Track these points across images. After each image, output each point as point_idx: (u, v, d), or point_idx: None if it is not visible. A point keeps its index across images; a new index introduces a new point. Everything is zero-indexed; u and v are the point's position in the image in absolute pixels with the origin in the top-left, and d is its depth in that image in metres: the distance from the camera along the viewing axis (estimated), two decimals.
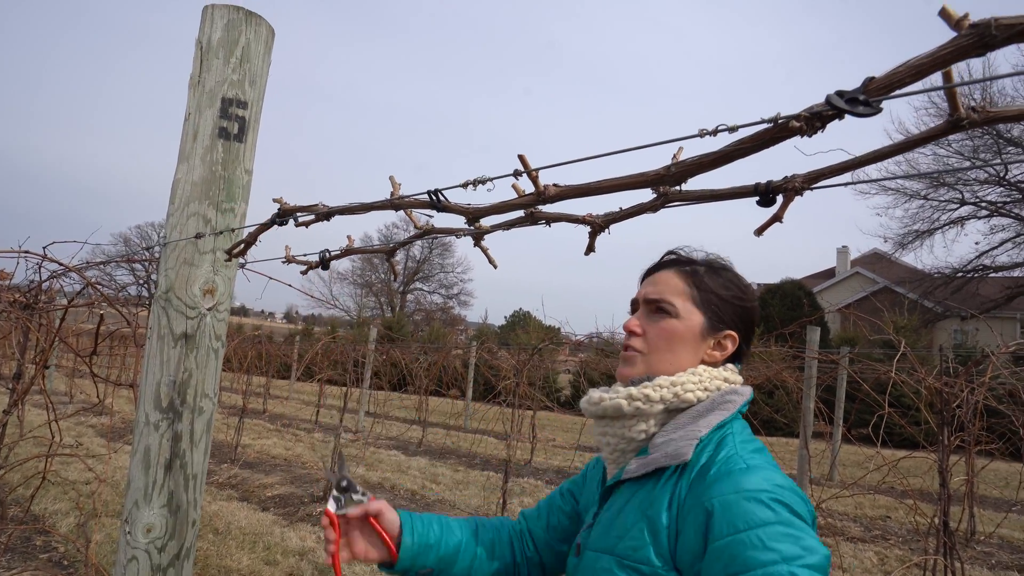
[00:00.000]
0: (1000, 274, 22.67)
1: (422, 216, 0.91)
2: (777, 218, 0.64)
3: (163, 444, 1.25)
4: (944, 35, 0.50)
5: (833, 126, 0.54)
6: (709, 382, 0.97)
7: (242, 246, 1.09)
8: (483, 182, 0.66)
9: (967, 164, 20.51)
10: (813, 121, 0.48)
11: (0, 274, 2.57)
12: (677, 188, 0.62)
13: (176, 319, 1.29)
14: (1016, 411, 3.83)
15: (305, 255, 1.15)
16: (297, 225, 0.96)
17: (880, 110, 0.46)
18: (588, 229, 0.77)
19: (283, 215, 0.97)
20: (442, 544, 1.07)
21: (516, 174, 0.64)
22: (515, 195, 0.79)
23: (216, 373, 1.35)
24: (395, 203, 0.78)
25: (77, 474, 5.50)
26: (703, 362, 1.01)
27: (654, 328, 1.00)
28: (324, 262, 1.12)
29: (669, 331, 0.99)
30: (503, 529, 1.17)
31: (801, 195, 0.64)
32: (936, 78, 0.50)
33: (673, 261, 1.06)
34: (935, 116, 19.75)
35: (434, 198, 0.72)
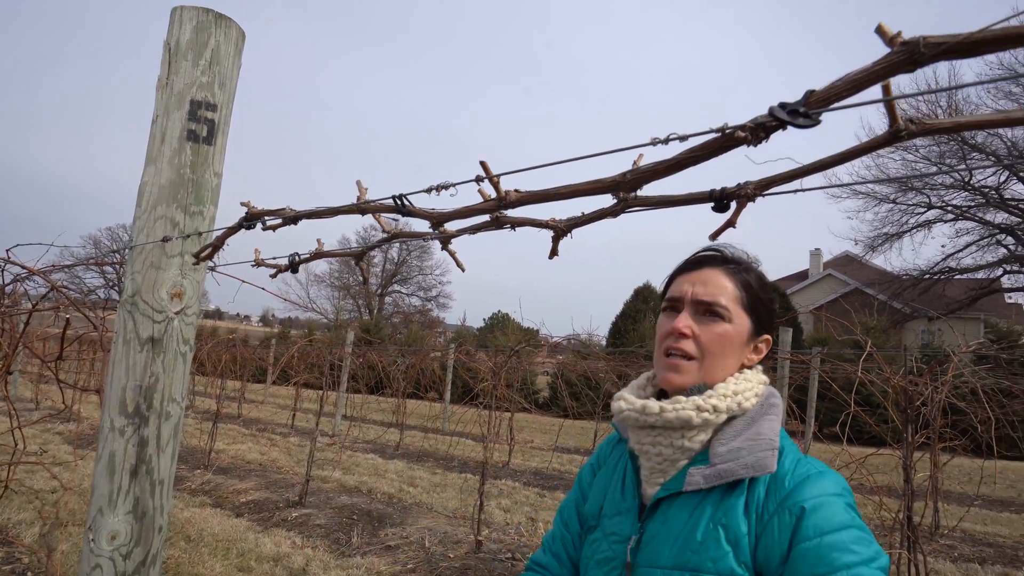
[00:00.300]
0: (965, 276, 23.37)
1: (392, 220, 0.92)
2: (731, 223, 0.67)
3: (129, 450, 1.23)
4: (881, 50, 0.53)
5: (807, 130, 0.57)
6: (757, 387, 0.96)
7: (209, 250, 1.09)
8: (446, 187, 0.67)
9: (934, 169, 21.10)
10: (758, 131, 0.50)
11: None
12: (634, 194, 0.64)
13: (143, 323, 1.27)
14: (976, 408, 3.95)
15: (275, 258, 1.15)
16: (264, 229, 0.96)
17: (819, 122, 0.49)
18: (552, 233, 0.79)
19: (250, 219, 0.97)
20: None
21: (478, 180, 0.65)
22: (481, 200, 0.80)
23: (184, 377, 1.34)
24: (361, 207, 0.79)
25: (43, 483, 5.36)
26: (742, 366, 0.99)
27: (707, 332, 0.96)
28: (293, 265, 1.12)
29: (723, 336, 0.96)
30: None
31: (753, 201, 0.66)
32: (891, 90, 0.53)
33: (718, 259, 1.02)
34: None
35: (399, 202, 0.73)
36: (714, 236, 0.68)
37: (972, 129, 0.56)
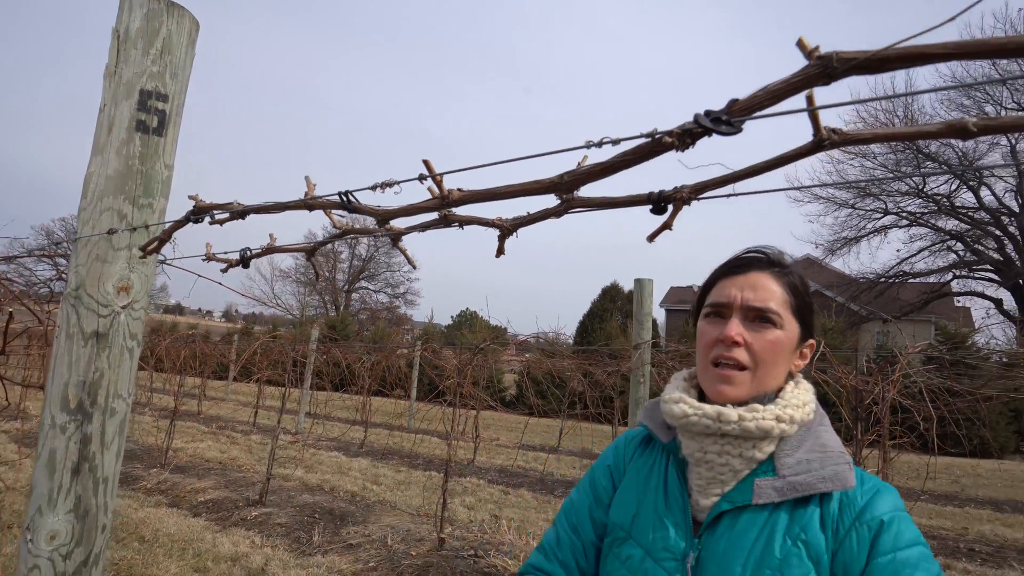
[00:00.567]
0: (918, 280, 24.30)
1: (340, 216, 0.92)
2: (667, 226, 0.69)
3: (71, 447, 1.20)
4: (800, 62, 0.56)
5: (782, 131, 0.59)
6: (812, 394, 0.95)
7: (156, 243, 1.07)
8: (390, 185, 0.67)
9: (889, 175, 21.86)
10: (684, 137, 0.52)
11: None
12: (574, 195, 0.66)
13: (87, 317, 1.24)
14: (922, 407, 4.12)
15: (226, 253, 1.14)
16: (211, 223, 0.95)
17: (741, 130, 0.51)
18: (498, 232, 0.80)
19: (198, 212, 0.95)
20: None
21: (422, 178, 0.66)
22: (429, 197, 0.81)
23: (131, 373, 1.31)
24: (308, 203, 0.79)
25: None
26: (789, 373, 0.96)
27: (760, 340, 0.91)
28: (244, 260, 1.11)
29: (776, 344, 0.91)
30: None
31: (689, 204, 0.69)
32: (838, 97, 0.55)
33: (764, 261, 0.97)
34: (867, 125, 20.96)
35: (344, 199, 0.73)
36: (651, 238, 0.70)
37: (890, 140, 0.60)
